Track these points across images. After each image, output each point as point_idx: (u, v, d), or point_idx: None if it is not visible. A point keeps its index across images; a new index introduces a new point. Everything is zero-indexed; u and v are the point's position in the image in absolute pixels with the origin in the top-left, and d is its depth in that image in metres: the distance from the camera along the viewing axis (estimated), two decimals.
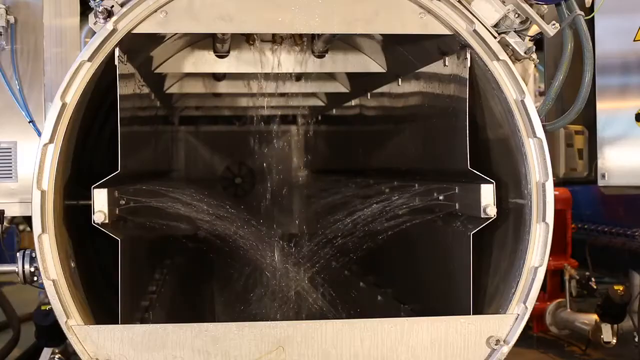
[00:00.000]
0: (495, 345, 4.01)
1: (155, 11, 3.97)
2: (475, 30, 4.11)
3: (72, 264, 4.10)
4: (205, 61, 5.74)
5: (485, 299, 4.37)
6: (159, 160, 7.11)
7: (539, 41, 4.37)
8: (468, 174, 4.16)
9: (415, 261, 5.16)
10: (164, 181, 7.40)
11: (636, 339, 7.06)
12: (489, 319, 4.08)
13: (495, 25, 4.14)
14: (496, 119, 4.32)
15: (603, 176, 6.17)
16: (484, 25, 4.12)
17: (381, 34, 4.96)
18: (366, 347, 3.95)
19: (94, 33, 3.97)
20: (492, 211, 4.11)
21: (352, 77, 6.84)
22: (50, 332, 5.40)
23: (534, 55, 4.23)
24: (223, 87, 7.11)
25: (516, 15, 4.12)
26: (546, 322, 8.00)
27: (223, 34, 5.21)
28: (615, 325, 7.14)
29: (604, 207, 8.48)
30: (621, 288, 6.99)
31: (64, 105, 3.89)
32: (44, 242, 3.86)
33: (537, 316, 7.99)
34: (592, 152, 7.35)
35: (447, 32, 4.17)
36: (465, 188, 4.37)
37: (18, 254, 4.46)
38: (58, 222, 3.93)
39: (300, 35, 5.64)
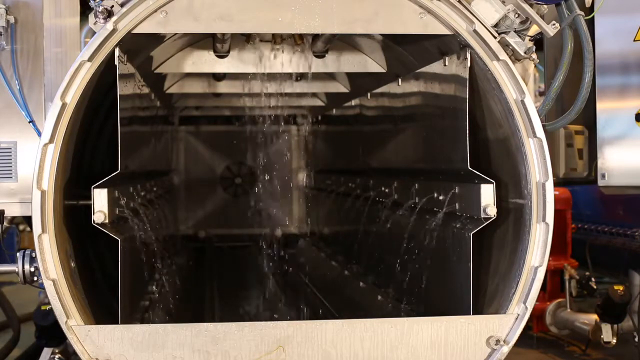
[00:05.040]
0: (495, 345, 4.01)
1: (155, 11, 3.97)
2: (475, 30, 4.11)
3: (72, 264, 4.10)
4: (205, 61, 5.75)
5: (485, 299, 4.37)
6: (159, 160, 7.11)
7: (539, 41, 4.37)
8: (468, 174, 4.16)
9: (415, 261, 5.16)
10: (164, 181, 7.40)
11: (636, 339, 7.06)
12: (489, 319, 4.07)
13: (495, 25, 4.14)
14: (496, 119, 4.32)
15: (603, 176, 6.17)
16: (484, 25, 4.12)
17: (381, 34, 4.96)
18: (366, 347, 3.95)
19: (94, 33, 3.97)
20: (492, 211, 4.11)
21: (352, 77, 6.84)
22: (50, 332, 5.40)
23: (534, 55, 4.23)
24: (223, 87, 7.11)
25: (516, 15, 4.12)
26: (546, 322, 8.01)
27: (223, 34, 5.21)
28: (615, 325, 7.14)
29: (604, 207, 8.48)
30: (621, 288, 6.99)
31: (64, 105, 3.89)
32: (44, 242, 3.86)
33: (537, 316, 7.99)
34: (592, 152, 7.34)
35: (447, 32, 4.17)
36: (465, 188, 4.37)
37: (18, 254, 4.46)
38: (58, 222, 3.93)
39: (300, 36, 5.63)
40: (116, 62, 4.01)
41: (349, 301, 6.74)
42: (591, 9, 5.35)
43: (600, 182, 6.21)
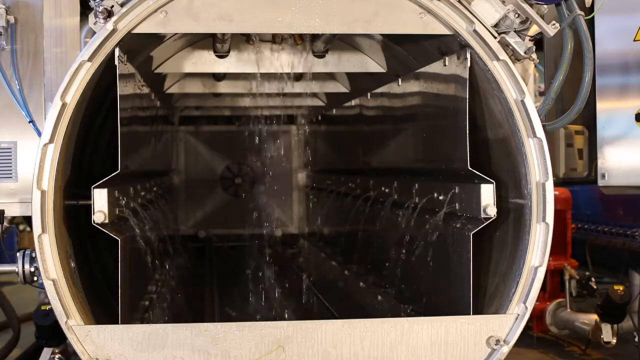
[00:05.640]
0: (495, 345, 4.01)
1: (155, 11, 3.97)
2: (475, 30, 4.11)
3: (72, 264, 4.10)
4: (205, 61, 5.75)
5: (485, 299, 4.37)
6: (159, 160, 7.11)
7: (539, 41, 4.37)
8: (468, 174, 4.16)
9: (415, 261, 5.16)
10: (164, 181, 7.40)
11: (636, 339, 7.06)
12: (489, 319, 4.07)
13: (495, 25, 4.14)
14: (496, 119, 4.32)
15: (603, 176, 6.17)
16: (484, 25, 4.12)
17: (381, 34, 4.96)
18: (366, 347, 3.95)
19: (94, 33, 3.97)
20: (492, 211, 4.11)
21: (352, 77, 6.84)
22: (50, 332, 5.40)
23: (534, 55, 4.23)
24: (223, 87, 7.11)
25: (516, 15, 4.12)
26: (546, 322, 8.00)
27: (223, 34, 5.21)
28: (615, 325, 7.13)
29: (604, 207, 8.48)
30: (621, 288, 6.99)
31: (64, 105, 3.89)
32: (44, 242, 3.86)
33: (537, 316, 7.99)
34: (592, 152, 7.34)
35: (447, 32, 4.17)
36: (465, 188, 4.37)
37: (18, 254, 4.46)
38: (58, 222, 3.93)
39: (300, 35, 5.64)
40: (116, 62, 4.01)
41: (349, 301, 6.74)
42: (591, 9, 5.35)
43: (600, 182, 6.21)
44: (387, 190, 5.85)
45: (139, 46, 4.51)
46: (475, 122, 4.35)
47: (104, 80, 4.13)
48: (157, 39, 4.80)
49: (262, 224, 10.01)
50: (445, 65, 4.55)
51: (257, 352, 3.89)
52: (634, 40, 6.03)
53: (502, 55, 4.10)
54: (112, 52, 3.99)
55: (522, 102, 4.06)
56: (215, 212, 10.37)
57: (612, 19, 6.11)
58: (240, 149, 10.07)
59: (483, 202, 4.13)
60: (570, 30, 4.32)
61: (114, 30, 3.93)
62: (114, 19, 3.92)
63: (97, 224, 3.95)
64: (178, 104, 8.71)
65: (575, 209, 8.39)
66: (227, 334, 3.87)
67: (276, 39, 5.73)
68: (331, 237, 8.41)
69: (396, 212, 5.54)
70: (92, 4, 3.97)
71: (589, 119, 6.65)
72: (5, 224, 4.89)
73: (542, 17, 4.18)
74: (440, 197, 4.73)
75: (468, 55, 4.18)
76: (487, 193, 4.13)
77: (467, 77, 4.19)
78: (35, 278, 4.41)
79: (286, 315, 6.92)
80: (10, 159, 4.77)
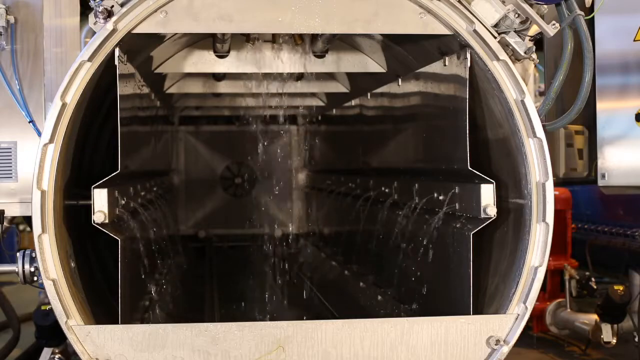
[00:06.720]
0: (495, 345, 4.01)
1: (155, 11, 3.97)
2: (475, 30, 4.11)
3: (72, 264, 4.10)
4: (205, 61, 5.75)
5: (485, 299, 4.37)
6: (159, 160, 7.11)
7: (539, 41, 4.37)
8: (468, 174, 4.16)
9: (415, 261, 5.17)
10: (164, 181, 7.40)
11: (636, 339, 7.06)
12: (489, 319, 4.07)
13: (495, 25, 4.14)
14: (496, 119, 4.32)
15: (603, 176, 6.17)
16: (484, 25, 4.12)
17: (381, 34, 4.96)
18: (366, 347, 3.95)
19: (94, 33, 3.97)
20: (492, 211, 4.11)
21: (352, 77, 6.84)
22: (50, 332, 5.40)
23: (534, 55, 4.23)
24: (223, 87, 7.11)
25: (516, 15, 4.12)
26: (546, 322, 8.00)
27: (223, 34, 5.22)
28: (615, 325, 7.13)
29: (604, 207, 8.48)
30: (621, 288, 6.99)
31: (64, 105, 3.89)
32: (44, 242, 3.86)
33: (537, 316, 7.99)
34: (592, 152, 7.34)
35: (447, 32, 4.17)
36: (465, 188, 4.37)
37: (18, 254, 4.46)
38: (58, 222, 3.93)
39: (301, 35, 5.63)
40: (116, 62, 4.01)
41: (349, 301, 6.74)
42: (591, 9, 5.35)
43: (600, 182, 6.21)
44: (387, 190, 5.85)
45: (139, 46, 4.51)
46: (475, 122, 4.35)
47: (104, 80, 4.13)
48: (157, 39, 4.80)
49: (262, 224, 10.02)
50: (445, 65, 4.55)
51: (257, 352, 3.89)
52: (634, 40, 6.03)
53: (502, 55, 4.10)
54: (112, 52, 3.99)
55: (522, 102, 4.06)
56: (215, 212, 10.37)
57: (612, 19, 6.11)
58: (240, 149, 10.08)
59: (483, 202, 4.13)
60: (570, 30, 4.32)
61: (114, 30, 3.93)
62: (114, 19, 3.92)
63: (97, 224, 3.95)
64: (178, 104, 8.71)
65: (575, 209, 8.40)
66: (227, 334, 3.87)
67: (276, 39, 5.73)
68: (331, 237, 8.41)
69: (396, 212, 5.54)
70: (92, 4, 3.98)
71: (589, 119, 6.66)
72: (5, 224, 4.89)
73: (542, 17, 4.18)
74: (440, 197, 4.73)
75: (468, 55, 4.18)
76: (487, 193, 4.13)
77: (467, 77, 4.19)
78: (35, 278, 4.41)
79: (286, 315, 6.92)
80: (10, 159, 4.77)
